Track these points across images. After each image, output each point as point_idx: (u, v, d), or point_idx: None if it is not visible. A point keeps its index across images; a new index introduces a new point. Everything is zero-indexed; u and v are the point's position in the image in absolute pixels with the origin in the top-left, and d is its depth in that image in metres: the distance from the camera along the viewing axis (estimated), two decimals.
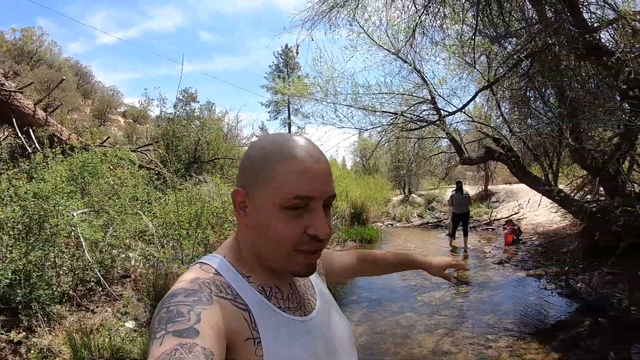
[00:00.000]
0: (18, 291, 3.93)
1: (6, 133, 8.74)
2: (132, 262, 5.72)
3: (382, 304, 6.13)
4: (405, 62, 8.31)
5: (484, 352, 4.42)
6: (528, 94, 7.18)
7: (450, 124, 8.79)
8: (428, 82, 8.25)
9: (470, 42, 6.58)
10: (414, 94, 8.54)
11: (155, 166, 8.14)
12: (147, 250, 5.60)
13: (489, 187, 20.87)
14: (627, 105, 5.42)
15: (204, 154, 9.73)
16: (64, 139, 8.59)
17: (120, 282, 5.44)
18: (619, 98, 5.53)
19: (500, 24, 5.56)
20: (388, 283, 7.18)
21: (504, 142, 7.72)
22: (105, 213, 5.83)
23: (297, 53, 7.86)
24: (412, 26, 7.29)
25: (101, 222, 5.54)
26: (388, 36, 8.13)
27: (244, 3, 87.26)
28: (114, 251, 5.42)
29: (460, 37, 6.68)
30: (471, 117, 9.11)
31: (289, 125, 37.80)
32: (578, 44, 4.82)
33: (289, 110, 39.04)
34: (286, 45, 42.47)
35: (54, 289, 4.36)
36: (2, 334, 3.72)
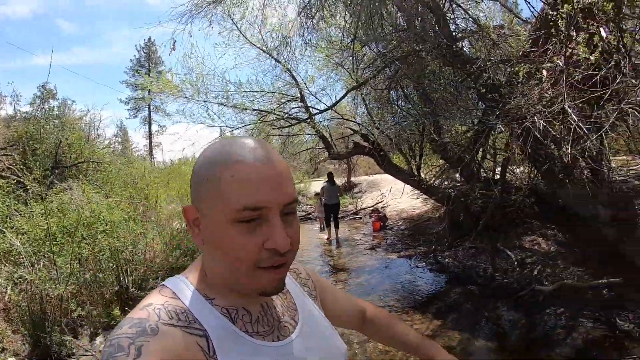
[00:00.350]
0: None
1: None
2: None
3: None
4: (278, 61, 8.51)
5: None
6: (392, 93, 7.91)
7: (321, 122, 9.26)
8: (298, 81, 8.56)
9: (342, 44, 7.07)
10: (285, 93, 8.80)
11: (12, 174, 7.14)
12: (16, 273, 4.94)
13: (352, 178, 22.27)
14: (482, 105, 6.35)
15: (66, 157, 8.80)
16: None
17: None
18: (476, 99, 6.42)
19: (375, 29, 6.06)
20: None
21: (371, 137, 8.42)
22: None
23: (173, 49, 7.47)
24: (287, 27, 7.55)
25: None
26: (261, 35, 8.28)
27: None
28: None
29: (341, 40, 7.10)
30: (340, 115, 9.72)
31: (150, 124, 35.53)
32: (443, 51, 5.52)
33: (149, 109, 36.67)
34: (149, 39, 39.67)
35: None
36: None
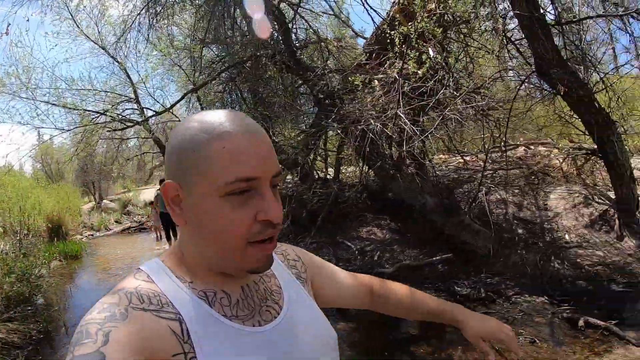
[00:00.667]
0: None
1: None
2: None
3: None
4: (112, 57, 7.88)
5: None
6: (228, 97, 7.91)
7: (157, 124, 8.86)
8: (133, 80, 8.10)
9: (182, 44, 6.88)
10: (120, 93, 8.20)
11: None
12: None
13: None
14: (317, 110, 6.79)
15: None
16: None
17: None
18: (313, 104, 6.84)
19: (219, 32, 6.04)
20: None
21: None
22: None
23: (6, 33, 6.33)
24: (127, 21, 7.03)
25: None
26: (97, 27, 7.59)
27: None
28: None
29: (183, 40, 6.86)
30: (178, 118, 9.40)
31: None
32: (284, 58, 5.78)
33: None
34: None
35: None
36: None
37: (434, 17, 4.83)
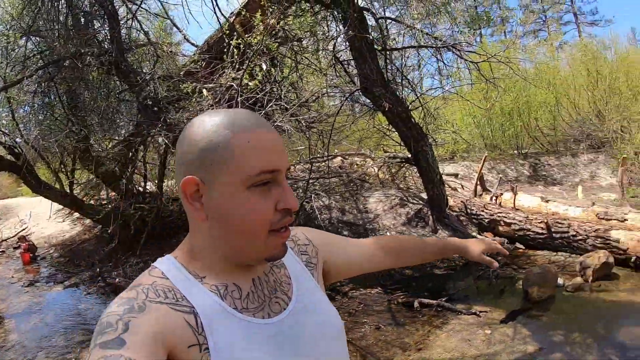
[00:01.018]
0: None
1: None
2: None
3: None
4: None
5: None
6: (43, 98, 6.88)
7: None
8: None
9: None
10: None
11: None
12: None
13: None
14: (143, 117, 6.35)
15: None
16: None
17: None
18: (138, 111, 6.39)
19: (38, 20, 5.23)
20: None
21: (18, 150, 7.09)
22: None
23: None
24: None
25: None
26: None
27: None
28: None
29: None
30: None
31: None
32: (111, 58, 5.32)
33: None
34: None
35: None
36: None
37: (273, 32, 5.05)
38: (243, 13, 5.03)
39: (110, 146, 7.00)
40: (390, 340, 3.85)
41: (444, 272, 5.44)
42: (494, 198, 7.28)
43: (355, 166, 8.83)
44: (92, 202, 8.37)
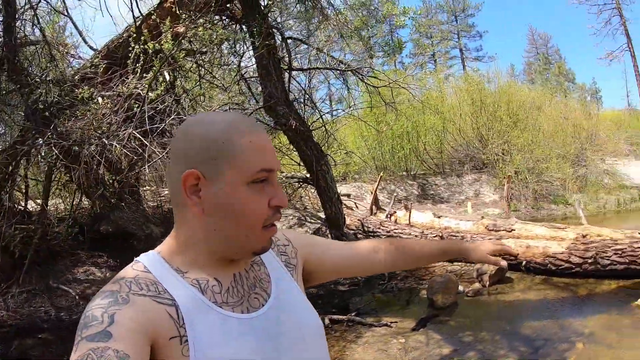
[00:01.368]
0: None
1: None
2: None
3: None
4: None
5: None
6: None
7: None
8: None
9: None
10: None
11: None
12: None
13: None
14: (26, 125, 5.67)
15: None
16: None
17: None
18: (25, 115, 5.71)
19: None
20: None
21: None
22: None
23: None
24: None
25: None
26: None
27: None
28: None
29: None
30: None
31: None
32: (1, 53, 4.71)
33: None
34: None
35: None
36: None
37: (181, 41, 4.84)
38: (153, 17, 4.74)
39: None
40: None
41: (348, 288, 5.54)
42: (389, 216, 7.69)
43: None
44: None
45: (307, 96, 6.50)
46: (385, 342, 3.79)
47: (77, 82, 4.90)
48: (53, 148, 4.79)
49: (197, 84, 5.71)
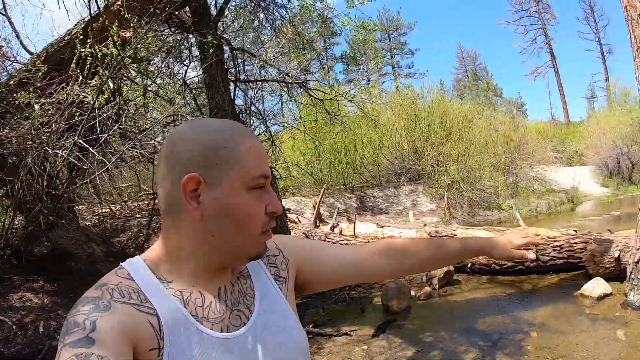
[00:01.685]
0: None
1: None
2: None
3: None
4: None
5: None
6: None
7: None
8: None
9: None
10: None
11: None
12: None
13: None
14: None
15: None
16: None
17: None
18: None
19: None
20: None
21: None
22: None
23: None
24: None
25: None
26: None
27: None
28: None
29: None
30: None
31: None
32: None
33: None
34: None
35: None
36: None
37: (127, 47, 4.62)
38: (101, 19, 4.48)
39: None
40: None
41: (300, 301, 5.51)
42: (333, 228, 7.80)
43: None
44: None
45: (254, 107, 6.47)
46: (348, 351, 3.81)
47: (13, 87, 4.54)
48: None
49: (142, 93, 5.48)
